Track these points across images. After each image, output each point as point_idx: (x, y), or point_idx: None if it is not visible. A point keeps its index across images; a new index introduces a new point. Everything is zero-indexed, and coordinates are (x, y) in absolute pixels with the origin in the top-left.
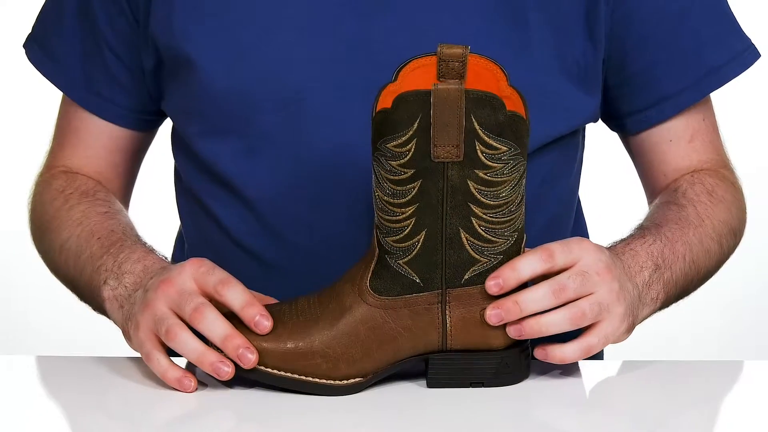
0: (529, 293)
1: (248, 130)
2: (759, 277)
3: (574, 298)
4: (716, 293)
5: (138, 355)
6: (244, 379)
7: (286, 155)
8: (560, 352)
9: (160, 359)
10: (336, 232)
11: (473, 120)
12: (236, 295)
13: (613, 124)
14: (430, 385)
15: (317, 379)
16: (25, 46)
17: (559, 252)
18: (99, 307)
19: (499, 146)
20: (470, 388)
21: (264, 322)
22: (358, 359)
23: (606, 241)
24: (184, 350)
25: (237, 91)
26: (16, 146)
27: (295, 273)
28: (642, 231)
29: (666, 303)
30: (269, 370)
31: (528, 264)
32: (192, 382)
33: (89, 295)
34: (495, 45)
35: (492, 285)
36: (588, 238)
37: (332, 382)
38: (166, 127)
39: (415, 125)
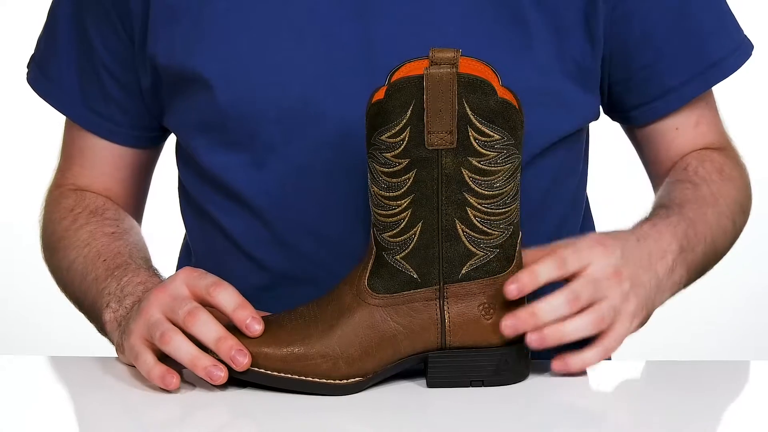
0: (544, 303)
1: (254, 140)
2: (765, 276)
3: (587, 305)
4: (722, 293)
5: None
6: (244, 379)
7: (291, 164)
8: (581, 360)
9: (146, 358)
10: (344, 239)
11: (465, 105)
12: (228, 297)
13: (619, 116)
14: (430, 385)
15: (317, 379)
16: (27, 67)
17: (570, 258)
18: (102, 329)
19: (491, 134)
20: (470, 388)
21: (255, 325)
22: (357, 358)
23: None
24: (178, 354)
25: (240, 102)
26: (18, 151)
27: (303, 281)
28: (667, 211)
29: (687, 284)
30: (269, 372)
31: (545, 270)
32: (174, 378)
33: (94, 316)
34: (496, 46)
35: (512, 289)
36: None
37: (332, 381)
38: (171, 137)
39: (408, 112)
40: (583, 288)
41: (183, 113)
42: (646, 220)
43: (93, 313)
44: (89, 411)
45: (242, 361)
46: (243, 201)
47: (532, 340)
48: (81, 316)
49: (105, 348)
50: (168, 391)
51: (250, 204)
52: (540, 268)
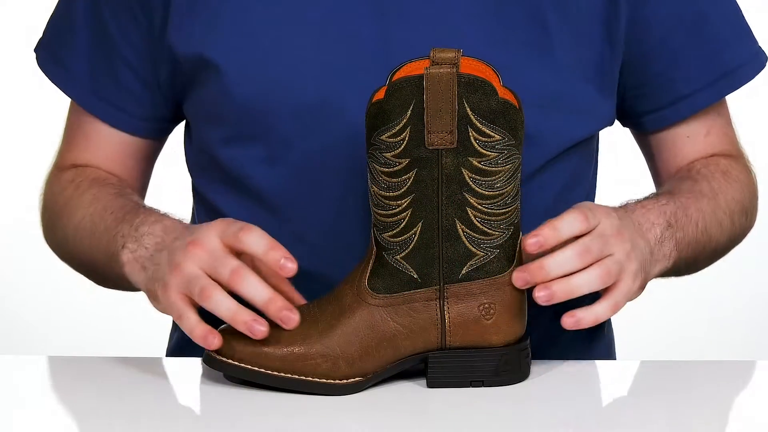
0: (554, 257)
1: (270, 135)
2: None
3: (596, 261)
4: (728, 291)
5: (137, 355)
6: (244, 379)
7: (307, 160)
8: (592, 314)
9: (190, 317)
10: (360, 236)
11: (466, 105)
12: (257, 240)
13: (630, 122)
14: (430, 385)
15: (317, 379)
16: (36, 51)
17: (590, 215)
18: (117, 276)
19: (492, 134)
20: (470, 388)
21: (289, 264)
22: (357, 358)
23: None
24: (219, 309)
25: (258, 96)
26: (17, 147)
27: (316, 277)
28: (655, 195)
29: (678, 264)
30: (269, 371)
31: (568, 224)
32: (216, 339)
33: (107, 266)
34: (515, 49)
35: (532, 243)
36: None
37: (332, 381)
38: (178, 134)
39: (409, 112)
40: (593, 242)
41: (200, 104)
42: (635, 200)
43: (106, 261)
44: (89, 411)
45: (294, 319)
46: (259, 197)
47: (540, 297)
48: (80, 316)
49: (105, 348)
50: (167, 392)
51: (264, 198)
52: (561, 223)
